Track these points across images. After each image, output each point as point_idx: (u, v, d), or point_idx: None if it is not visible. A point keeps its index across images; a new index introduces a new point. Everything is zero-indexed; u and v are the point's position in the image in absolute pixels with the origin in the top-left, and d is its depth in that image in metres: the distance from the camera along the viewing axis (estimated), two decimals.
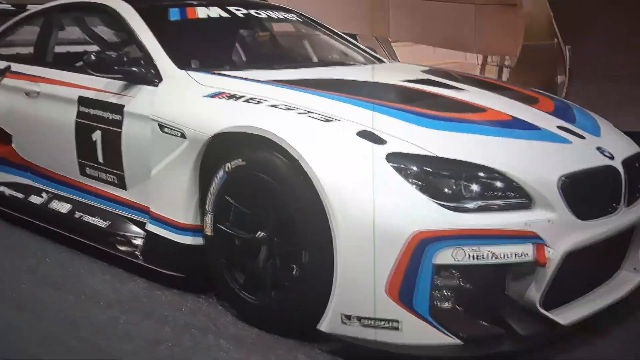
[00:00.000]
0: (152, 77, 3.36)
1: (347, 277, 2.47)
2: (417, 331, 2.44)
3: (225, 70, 3.46)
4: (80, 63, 3.59)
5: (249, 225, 2.81)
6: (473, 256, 2.43)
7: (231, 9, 4.03)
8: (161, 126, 3.13)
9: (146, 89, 3.35)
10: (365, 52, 4.40)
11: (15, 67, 4.30)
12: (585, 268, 2.75)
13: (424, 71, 3.80)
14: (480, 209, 2.48)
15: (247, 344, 2.66)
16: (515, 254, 2.47)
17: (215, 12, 3.94)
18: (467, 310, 2.53)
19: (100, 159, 3.55)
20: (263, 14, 4.17)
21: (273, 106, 2.85)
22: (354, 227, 2.44)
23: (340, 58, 4.27)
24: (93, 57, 3.41)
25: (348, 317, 2.49)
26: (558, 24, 7.47)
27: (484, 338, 2.51)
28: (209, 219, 2.93)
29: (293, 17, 4.38)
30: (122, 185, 3.47)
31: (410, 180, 2.46)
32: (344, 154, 2.55)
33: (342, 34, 4.48)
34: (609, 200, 2.78)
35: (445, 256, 2.41)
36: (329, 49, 4.40)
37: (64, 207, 3.81)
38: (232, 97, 3.00)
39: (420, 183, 2.47)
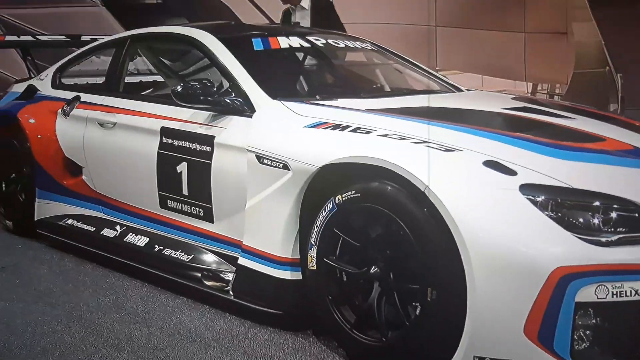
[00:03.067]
0: (244, 107, 3.26)
1: (480, 317, 2.32)
2: None
3: (317, 100, 3.35)
4: (160, 93, 3.50)
5: (359, 260, 2.68)
6: (616, 293, 2.28)
7: (311, 38, 3.95)
8: (259, 157, 3.01)
9: (238, 119, 3.25)
10: (441, 79, 4.29)
11: (85, 97, 4.22)
12: None
13: (515, 99, 3.67)
14: (620, 243, 2.33)
15: None
16: None
17: (295, 41, 3.86)
18: (604, 351, 2.37)
19: (185, 192, 3.43)
20: (341, 44, 4.07)
21: (384, 135, 2.73)
22: (488, 262, 2.30)
23: (422, 86, 4.16)
24: (180, 88, 3.31)
25: (482, 359, 2.33)
26: (609, 51, 7.38)
27: None
28: (313, 252, 2.79)
29: (368, 46, 4.28)
30: (208, 218, 3.35)
31: (545, 212, 2.32)
32: (473, 184, 2.42)
33: (415, 62, 4.37)
34: None
35: (588, 294, 2.26)
36: (408, 77, 4.30)
37: (141, 241, 3.69)
38: (337, 127, 2.88)
39: (555, 215, 2.33)
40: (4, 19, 7.65)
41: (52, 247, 4.26)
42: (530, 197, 2.34)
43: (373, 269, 2.64)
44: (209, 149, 3.29)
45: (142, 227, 3.77)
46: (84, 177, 4.14)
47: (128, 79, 4.26)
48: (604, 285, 2.27)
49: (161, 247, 3.57)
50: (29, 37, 5.53)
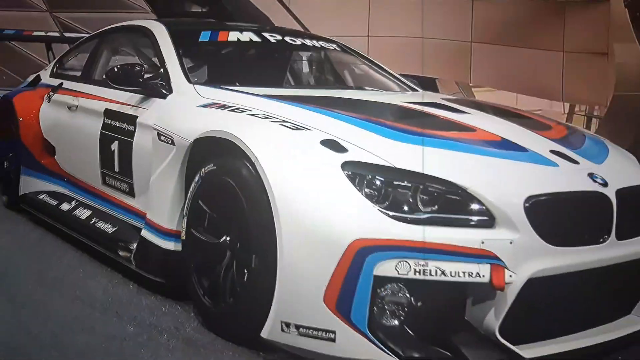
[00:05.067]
0: (164, 90, 3.46)
1: (287, 284, 2.40)
2: (352, 344, 2.32)
3: (235, 86, 3.50)
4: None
5: (217, 231, 2.80)
6: (419, 271, 2.30)
7: (266, 34, 4.11)
8: (159, 134, 3.20)
9: (158, 101, 3.45)
10: (400, 80, 4.34)
11: (66, 84, 4.56)
12: (577, 303, 2.55)
13: (445, 98, 3.69)
14: (432, 222, 2.35)
15: (196, 347, 2.63)
16: (468, 274, 2.33)
17: (247, 36, 4.03)
18: (416, 331, 2.38)
19: (117, 168, 3.67)
20: (298, 42, 4.20)
21: (252, 115, 2.85)
22: (296, 232, 2.39)
23: (368, 84, 4.24)
24: (115, 70, 3.55)
25: (287, 324, 2.41)
26: None
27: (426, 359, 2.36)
28: (184, 223, 2.95)
29: (332, 46, 4.39)
30: (131, 193, 3.56)
31: (363, 189, 2.38)
32: (301, 160, 2.51)
33: (379, 64, 4.44)
34: (596, 230, 2.57)
35: (388, 268, 2.30)
36: (359, 75, 4.38)
37: (84, 214, 3.95)
38: (222, 107, 3.03)
39: (374, 192, 2.38)
40: (62, 21, 8.27)
41: (32, 221, 4.59)
42: (349, 173, 2.40)
43: (225, 239, 2.76)
44: (132, 128, 3.51)
45: (88, 202, 4.04)
46: (56, 156, 4.47)
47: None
48: (406, 262, 2.30)
49: (96, 220, 3.81)
50: (55, 34, 5.99)
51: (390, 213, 2.34)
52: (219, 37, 3.98)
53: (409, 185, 2.40)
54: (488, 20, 7.60)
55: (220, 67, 3.84)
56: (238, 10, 8.10)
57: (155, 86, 3.49)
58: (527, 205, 2.40)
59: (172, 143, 3.06)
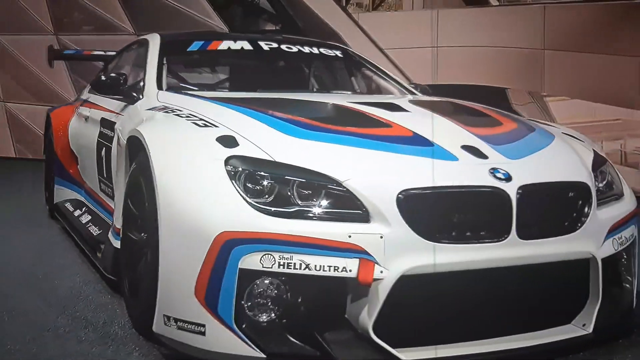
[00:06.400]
0: (138, 96, 3.60)
1: (165, 278, 2.44)
2: (220, 338, 2.32)
3: (200, 92, 3.58)
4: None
5: (139, 229, 2.87)
6: (283, 264, 2.27)
7: (261, 43, 4.16)
8: (118, 138, 3.34)
9: (130, 107, 3.59)
10: (400, 85, 4.25)
11: (90, 97, 4.83)
12: (472, 306, 2.42)
13: (412, 100, 3.56)
14: (301, 215, 2.31)
15: (108, 339, 2.71)
16: (334, 268, 2.27)
17: (239, 45, 4.11)
18: (291, 327, 2.34)
19: (105, 174, 3.85)
20: (294, 49, 4.22)
21: (177, 115, 2.92)
22: (173, 226, 2.42)
23: (362, 89, 4.19)
24: (99, 79, 3.76)
25: (168, 318, 2.44)
26: None
27: (291, 356, 2.30)
28: (120, 222, 3.05)
29: (334, 53, 4.38)
30: (113, 196, 3.72)
31: (240, 183, 2.37)
32: (189, 156, 2.54)
33: (382, 70, 4.37)
34: (493, 227, 2.40)
35: (253, 261, 2.28)
36: (358, 79, 4.35)
37: (85, 219, 4.17)
38: (163, 109, 3.12)
39: (253, 187, 2.38)
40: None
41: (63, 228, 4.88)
42: (231, 167, 2.40)
43: (142, 236, 2.82)
44: (112, 134, 3.68)
45: (92, 207, 4.27)
46: (79, 166, 4.75)
47: None
48: (271, 255, 2.28)
49: (91, 224, 4.01)
50: (113, 53, 6.34)
51: (260, 206, 2.32)
52: (209, 47, 4.08)
53: (286, 179, 2.37)
54: (561, 26, 7.24)
55: (193, 75, 3.95)
56: (309, 27, 8.22)
57: (129, 93, 3.63)
58: (400, 198, 2.31)
59: (119, 144, 3.19)
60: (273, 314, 2.35)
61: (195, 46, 4.08)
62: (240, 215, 2.32)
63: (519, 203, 2.40)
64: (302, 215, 2.32)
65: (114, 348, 2.63)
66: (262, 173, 2.39)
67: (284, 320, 2.35)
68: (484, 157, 2.55)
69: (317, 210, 2.33)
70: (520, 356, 2.46)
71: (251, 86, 3.76)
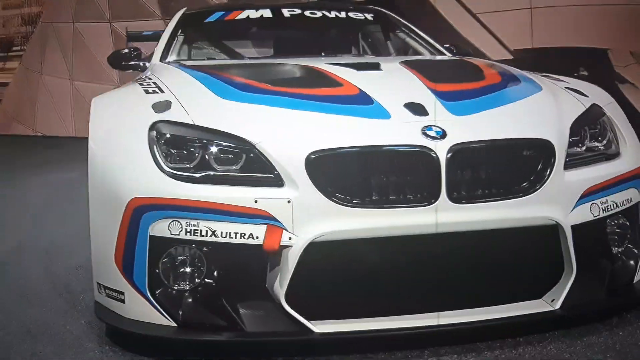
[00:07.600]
0: (140, 70, 3.63)
1: (95, 245, 2.42)
2: (136, 306, 2.29)
3: (198, 62, 3.55)
4: None
5: None
6: (190, 231, 2.19)
7: (284, 10, 4.06)
8: None
9: None
10: (431, 45, 3.99)
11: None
12: (396, 275, 2.23)
13: (404, 60, 3.26)
14: (209, 180, 2.22)
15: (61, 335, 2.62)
16: (241, 234, 2.16)
17: (259, 13, 4.03)
18: (207, 296, 2.26)
19: None
20: (318, 14, 4.09)
21: (140, 84, 2.87)
22: (97, 193, 2.39)
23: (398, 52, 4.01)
24: (113, 54, 3.82)
25: (99, 285, 2.43)
26: None
27: (203, 325, 2.22)
28: None
29: (363, 16, 4.19)
30: None
31: (158, 148, 2.31)
32: (122, 122, 2.49)
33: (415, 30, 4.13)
34: (418, 189, 2.18)
35: (161, 228, 2.22)
36: (387, 44, 4.14)
37: None
38: (139, 79, 3.10)
39: (174, 151, 2.31)
40: None
41: None
42: (154, 132, 2.34)
43: None
44: None
45: None
46: None
47: None
48: (178, 221, 2.21)
49: None
50: None
51: (172, 172, 2.25)
52: (226, 17, 4.02)
53: (200, 142, 2.28)
54: None
55: (204, 45, 3.91)
56: None
57: (137, 66, 3.67)
58: (309, 160, 2.15)
59: None
60: (188, 283, 2.27)
61: (214, 16, 4.04)
62: (152, 180, 2.25)
63: (449, 163, 2.16)
64: (211, 179, 2.22)
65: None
66: (182, 136, 2.32)
67: (199, 289, 2.27)
68: (424, 114, 2.32)
69: (229, 175, 2.23)
70: (458, 332, 2.23)
71: (270, 54, 3.67)
